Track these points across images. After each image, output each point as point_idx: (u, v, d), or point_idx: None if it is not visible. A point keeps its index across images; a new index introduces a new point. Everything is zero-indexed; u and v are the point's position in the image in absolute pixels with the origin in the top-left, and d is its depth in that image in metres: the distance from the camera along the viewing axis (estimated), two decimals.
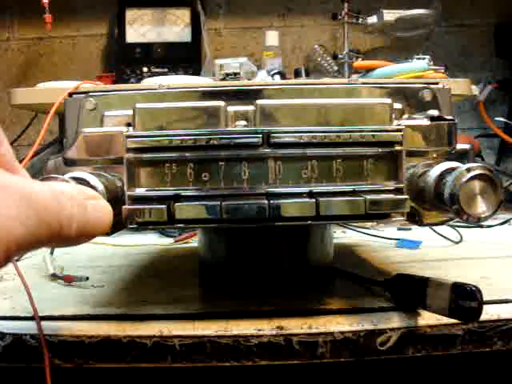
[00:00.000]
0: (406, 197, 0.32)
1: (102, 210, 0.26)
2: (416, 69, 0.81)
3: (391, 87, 0.36)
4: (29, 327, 0.36)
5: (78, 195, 0.24)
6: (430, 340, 0.36)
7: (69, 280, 0.47)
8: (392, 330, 0.36)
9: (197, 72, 1.04)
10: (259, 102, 0.34)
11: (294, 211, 0.31)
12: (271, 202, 0.31)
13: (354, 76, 0.93)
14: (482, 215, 0.30)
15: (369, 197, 0.31)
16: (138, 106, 0.33)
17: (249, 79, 0.93)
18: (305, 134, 0.32)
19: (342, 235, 0.75)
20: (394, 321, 0.36)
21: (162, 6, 1.10)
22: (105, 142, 0.34)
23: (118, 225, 0.33)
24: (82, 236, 0.24)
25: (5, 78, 1.19)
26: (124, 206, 0.31)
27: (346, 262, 0.53)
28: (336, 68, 1.06)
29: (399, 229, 0.78)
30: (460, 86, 0.74)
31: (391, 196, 0.32)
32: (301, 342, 0.35)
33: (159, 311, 0.39)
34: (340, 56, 1.05)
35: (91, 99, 0.36)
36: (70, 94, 0.36)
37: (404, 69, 0.81)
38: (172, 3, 1.11)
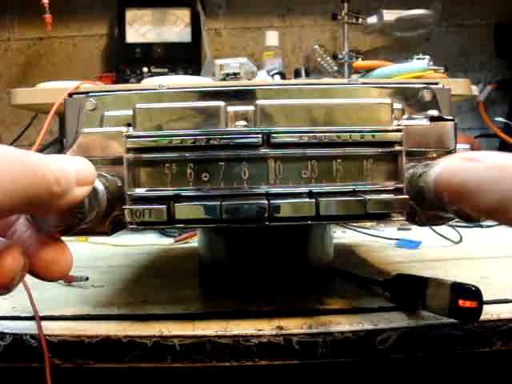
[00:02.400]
0: (406, 197, 0.32)
1: (75, 157, 0.25)
2: (416, 69, 0.81)
3: (391, 87, 0.36)
4: (29, 327, 0.36)
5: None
6: (429, 340, 0.36)
7: (69, 280, 0.47)
8: (392, 329, 0.36)
9: (197, 72, 1.04)
10: (259, 102, 0.34)
11: (294, 211, 0.31)
12: (271, 202, 0.31)
13: (353, 76, 0.93)
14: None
15: (369, 197, 0.31)
16: (138, 106, 0.33)
17: (249, 79, 0.93)
18: (305, 134, 0.32)
19: (342, 235, 0.75)
20: (394, 321, 0.36)
21: (162, 6, 1.10)
22: (105, 142, 0.34)
23: (118, 225, 0.33)
24: (71, 181, 0.24)
25: (5, 77, 1.19)
26: (124, 206, 0.31)
27: (346, 262, 0.53)
28: (336, 68, 1.06)
29: (399, 229, 0.79)
30: (460, 85, 0.74)
31: (391, 196, 0.32)
32: (301, 341, 0.35)
33: (159, 311, 0.39)
34: (340, 56, 1.05)
35: (91, 99, 0.36)
36: (70, 94, 0.36)
37: (404, 69, 0.81)
38: (172, 3, 1.11)
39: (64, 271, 0.26)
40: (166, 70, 1.07)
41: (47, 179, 0.22)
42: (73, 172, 0.24)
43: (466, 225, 0.72)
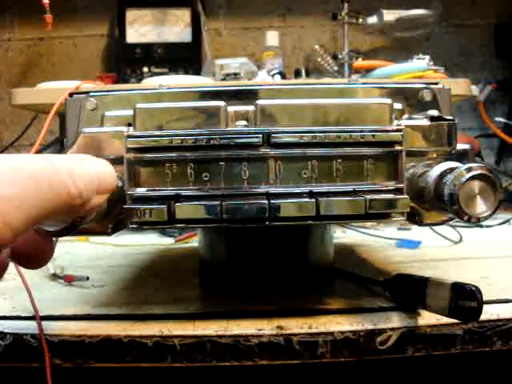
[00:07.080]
0: (406, 197, 0.32)
1: (100, 164, 0.26)
2: (416, 69, 0.81)
3: (391, 87, 0.36)
4: (29, 327, 0.36)
5: (71, 157, 0.24)
6: (429, 340, 0.36)
7: (69, 280, 0.48)
8: (392, 329, 0.36)
9: (197, 72, 1.04)
10: (259, 102, 0.34)
11: (294, 211, 0.31)
12: (271, 201, 0.31)
13: (353, 76, 0.93)
14: (482, 215, 0.30)
15: (369, 197, 0.31)
16: (139, 105, 0.33)
17: (249, 79, 0.93)
18: (305, 134, 0.32)
19: (342, 235, 0.75)
20: (394, 321, 0.36)
21: (162, 6, 1.10)
22: (105, 141, 0.34)
23: (119, 225, 0.33)
24: (93, 191, 0.24)
25: (5, 78, 1.19)
26: (124, 206, 0.31)
27: (346, 262, 0.53)
28: (336, 68, 1.06)
29: (399, 229, 0.78)
30: (460, 86, 0.74)
31: (391, 196, 0.32)
32: (301, 341, 0.35)
33: (159, 311, 0.39)
34: (340, 56, 1.05)
35: (92, 99, 0.36)
36: (71, 94, 0.36)
37: (404, 69, 0.81)
38: (172, 3, 1.11)
39: (43, 263, 0.27)
40: (166, 70, 1.07)
41: (72, 195, 0.22)
42: (96, 180, 0.24)
43: (466, 225, 0.72)
